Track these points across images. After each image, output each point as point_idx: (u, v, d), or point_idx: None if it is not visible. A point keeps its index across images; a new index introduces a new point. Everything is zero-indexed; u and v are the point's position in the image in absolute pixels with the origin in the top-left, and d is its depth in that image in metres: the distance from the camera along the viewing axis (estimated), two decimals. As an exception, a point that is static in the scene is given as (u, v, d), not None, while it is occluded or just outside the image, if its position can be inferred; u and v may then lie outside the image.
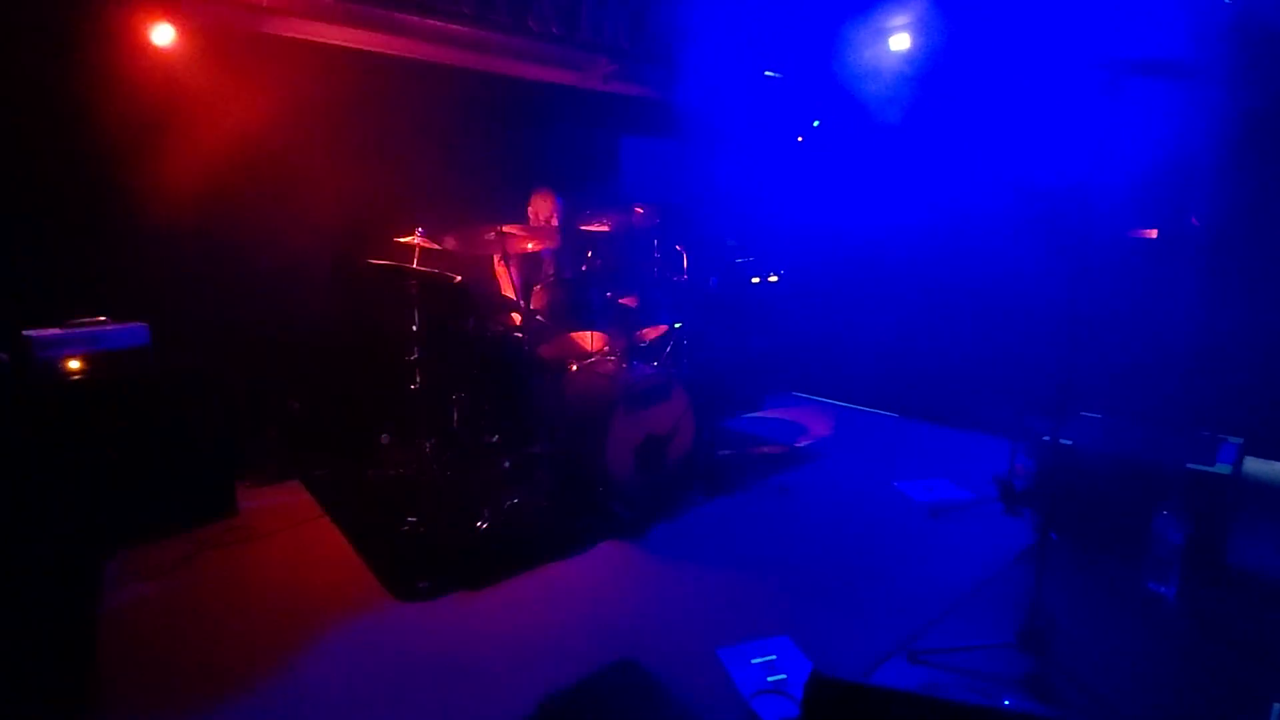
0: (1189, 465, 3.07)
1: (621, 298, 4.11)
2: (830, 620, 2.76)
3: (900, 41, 5.45)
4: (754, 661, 2.46)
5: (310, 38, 4.28)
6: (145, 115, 3.75)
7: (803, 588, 3.00)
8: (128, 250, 3.78)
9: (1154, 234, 4.45)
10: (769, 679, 2.36)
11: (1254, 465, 3.99)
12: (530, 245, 3.98)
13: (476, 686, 2.39)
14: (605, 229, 4.25)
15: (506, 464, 3.95)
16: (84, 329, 3.33)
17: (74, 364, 3.25)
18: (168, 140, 3.84)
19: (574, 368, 3.99)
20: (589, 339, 4.20)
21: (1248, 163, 4.14)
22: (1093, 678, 2.38)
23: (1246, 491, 3.67)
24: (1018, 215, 4.79)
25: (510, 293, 4.21)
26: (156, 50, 3.77)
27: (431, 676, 2.45)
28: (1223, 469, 3.04)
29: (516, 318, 4.07)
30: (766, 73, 6.13)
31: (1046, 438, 3.41)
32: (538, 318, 3.92)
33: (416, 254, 3.88)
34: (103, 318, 3.46)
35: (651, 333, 4.40)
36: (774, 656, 2.49)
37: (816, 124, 4.27)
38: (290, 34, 4.22)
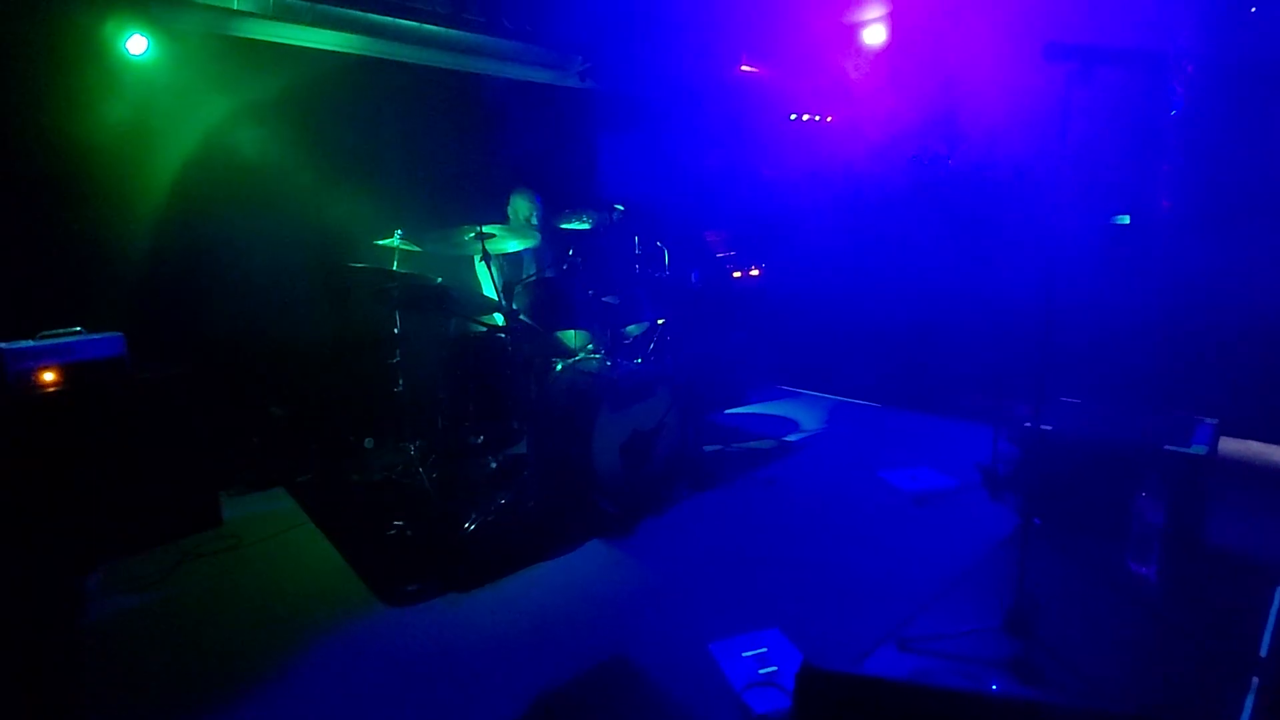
0: (1166, 447, 3.13)
1: (603, 295, 4.10)
2: (819, 611, 2.78)
3: (875, 34, 5.49)
4: (745, 655, 2.47)
5: (284, 41, 4.23)
6: (119, 123, 3.69)
7: (791, 579, 3.02)
8: (102, 259, 3.72)
9: (1125, 220, 4.52)
10: (760, 671, 2.38)
11: (1229, 445, 4.07)
12: (511, 245, 3.96)
13: (467, 688, 2.39)
14: (585, 227, 4.24)
15: (493, 465, 3.94)
16: (58, 340, 3.26)
17: (49, 376, 3.19)
18: (142, 148, 3.78)
19: (558, 366, 3.98)
20: (572, 337, 4.20)
21: (1219, 144, 4.21)
22: (1077, 658, 2.42)
23: (1223, 471, 3.74)
24: (993, 205, 4.84)
25: (491, 293, 4.19)
26: (129, 58, 3.70)
27: (422, 679, 2.44)
28: (1199, 450, 3.09)
29: (498, 318, 4.05)
30: (743, 67, 6.14)
31: (1027, 423, 3.45)
32: (520, 317, 3.90)
33: (396, 256, 3.85)
34: (77, 328, 3.39)
35: (634, 329, 4.41)
36: (765, 649, 2.50)
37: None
38: (263, 38, 4.16)
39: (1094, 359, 4.34)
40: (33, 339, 3.23)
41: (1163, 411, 3.59)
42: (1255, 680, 2.30)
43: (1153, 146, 4.31)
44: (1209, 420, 3.44)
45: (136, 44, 3.68)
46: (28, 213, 3.52)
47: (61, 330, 3.34)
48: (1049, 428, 3.41)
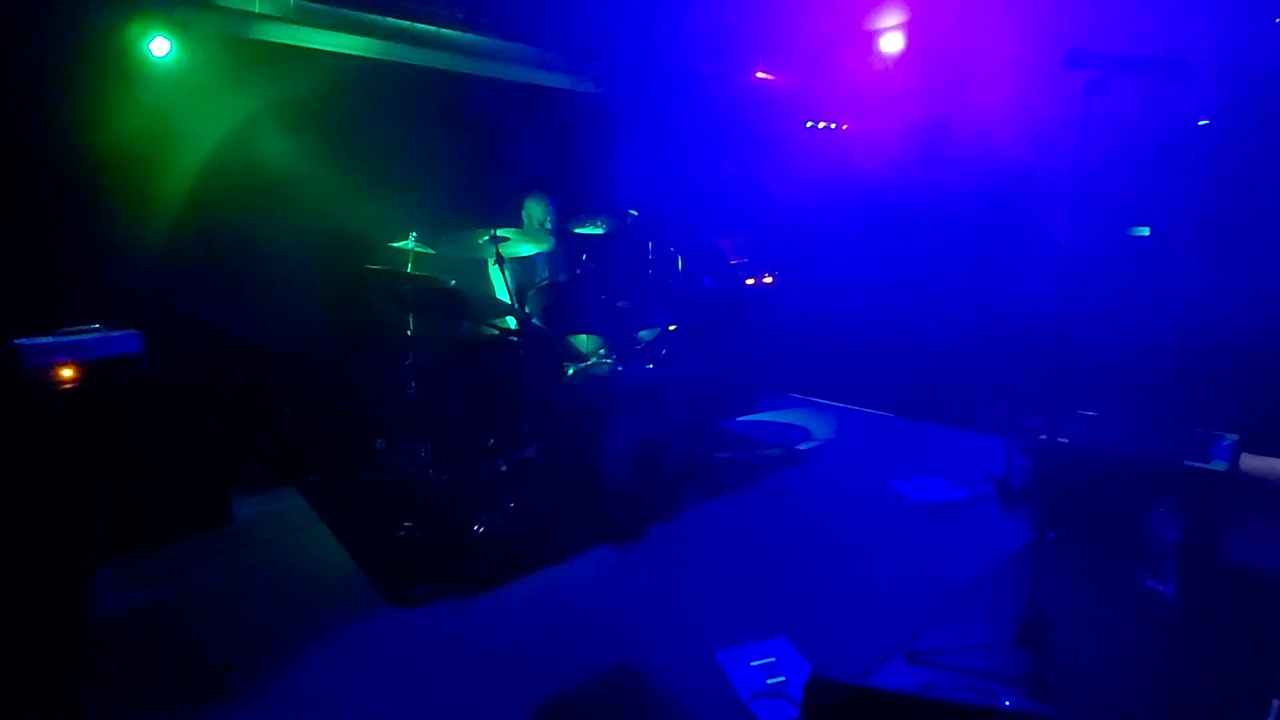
0: (1185, 463, 3.07)
1: (616, 300, 4.10)
2: (828, 621, 2.75)
3: (892, 42, 5.47)
4: (753, 664, 2.45)
5: (302, 44, 4.27)
6: (137, 123, 3.73)
7: (800, 589, 2.99)
8: (121, 259, 3.75)
9: (1144, 231, 4.46)
10: (768, 681, 2.36)
11: (1250, 462, 3.99)
12: (524, 249, 3.97)
13: (473, 692, 2.38)
14: (599, 232, 4.24)
15: (502, 468, 3.94)
16: (76, 337, 3.30)
17: (66, 372, 3.22)
18: (162, 149, 3.83)
19: (570, 370, 3.98)
20: (584, 341, 4.19)
21: (1238, 156, 4.15)
22: (1092, 675, 2.38)
23: (1242, 488, 3.67)
24: (1012, 214, 4.80)
25: (504, 296, 4.20)
26: (151, 60, 3.75)
27: (428, 683, 2.43)
28: (1219, 466, 3.04)
29: (511, 321, 4.05)
30: (759, 74, 6.14)
31: (1042, 435, 3.41)
32: (532, 321, 3.90)
33: (410, 258, 3.87)
34: (95, 325, 3.43)
35: (646, 335, 4.40)
36: (772, 659, 2.48)
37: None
38: (282, 40, 4.20)
39: (1112, 372, 4.27)
40: (51, 335, 3.27)
41: (1182, 426, 3.54)
42: (1275, 702, 2.25)
43: (1172, 157, 4.25)
44: (1229, 436, 3.38)
45: (159, 46, 3.72)
46: (49, 211, 3.57)
47: (80, 327, 3.38)
48: (1065, 440, 3.36)
